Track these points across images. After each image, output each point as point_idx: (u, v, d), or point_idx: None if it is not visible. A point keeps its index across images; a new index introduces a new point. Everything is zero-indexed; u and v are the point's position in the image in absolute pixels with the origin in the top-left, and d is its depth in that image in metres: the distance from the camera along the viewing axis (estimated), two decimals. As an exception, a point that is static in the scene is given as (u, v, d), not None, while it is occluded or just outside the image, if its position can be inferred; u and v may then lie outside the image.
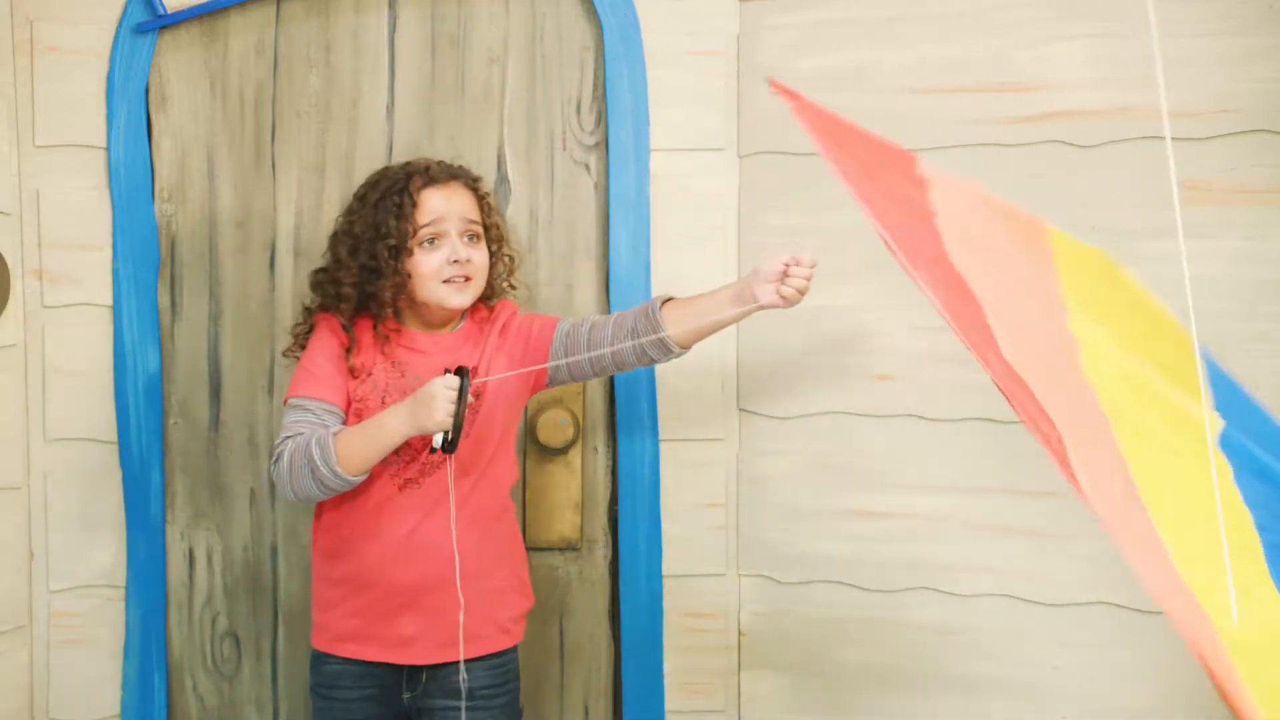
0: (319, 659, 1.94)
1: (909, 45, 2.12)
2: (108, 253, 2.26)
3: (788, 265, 1.74)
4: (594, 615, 2.34)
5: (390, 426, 1.76)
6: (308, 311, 1.97)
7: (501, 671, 1.92)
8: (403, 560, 1.84)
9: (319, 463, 1.76)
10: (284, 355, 2.04)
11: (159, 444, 2.29)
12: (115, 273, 2.26)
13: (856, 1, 2.15)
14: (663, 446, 2.26)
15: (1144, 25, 1.98)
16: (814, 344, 2.20)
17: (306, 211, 2.31)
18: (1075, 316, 1.13)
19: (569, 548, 2.32)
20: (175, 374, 2.33)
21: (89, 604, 2.31)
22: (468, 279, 1.86)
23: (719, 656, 2.29)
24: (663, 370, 2.24)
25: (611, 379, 2.27)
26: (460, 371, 1.73)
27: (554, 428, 2.27)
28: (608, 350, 1.85)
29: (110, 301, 2.27)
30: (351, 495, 1.85)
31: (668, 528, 2.27)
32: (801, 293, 1.76)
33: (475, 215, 1.89)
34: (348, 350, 1.88)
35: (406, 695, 1.91)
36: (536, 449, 2.29)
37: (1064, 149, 2.03)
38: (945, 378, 2.11)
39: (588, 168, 2.30)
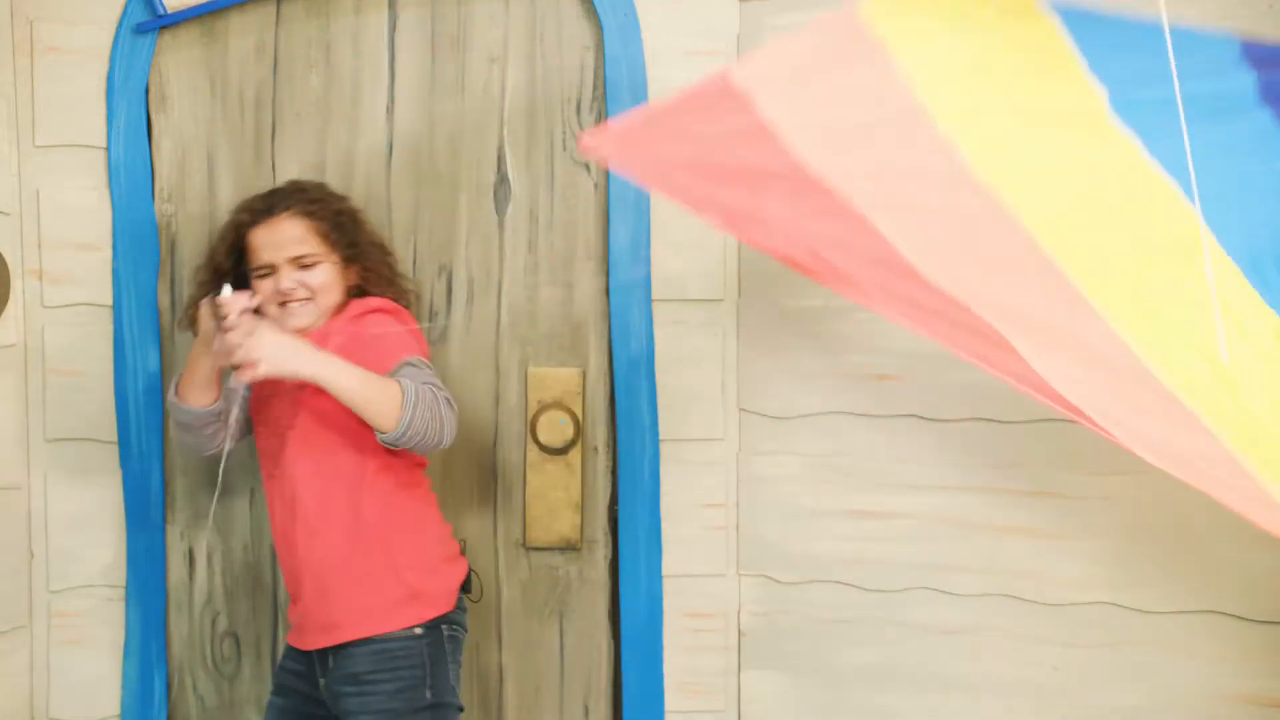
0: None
1: (909, 45, 2.11)
2: (108, 253, 2.27)
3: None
4: (594, 615, 2.34)
5: (199, 373, 1.98)
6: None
7: (386, 657, 1.87)
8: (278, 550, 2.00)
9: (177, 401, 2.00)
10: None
11: (159, 444, 2.29)
12: (115, 272, 2.27)
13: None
14: (663, 446, 2.26)
15: (1144, 25, 1.99)
16: (814, 344, 2.20)
17: (306, 211, 2.31)
18: (941, 116, 1.09)
19: (569, 548, 2.32)
20: (175, 374, 2.32)
21: (89, 604, 2.31)
22: (307, 299, 1.92)
23: (719, 656, 2.28)
24: (663, 370, 2.24)
25: (612, 380, 2.27)
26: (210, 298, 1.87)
27: (554, 428, 2.27)
28: None
29: (110, 301, 2.27)
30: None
31: (668, 528, 2.27)
32: (228, 356, 1.77)
33: (307, 243, 1.93)
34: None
35: (321, 680, 1.93)
36: (536, 449, 2.29)
37: (1064, 149, 2.03)
38: (945, 378, 2.11)
39: (588, 168, 2.30)
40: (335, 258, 1.96)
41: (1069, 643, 2.07)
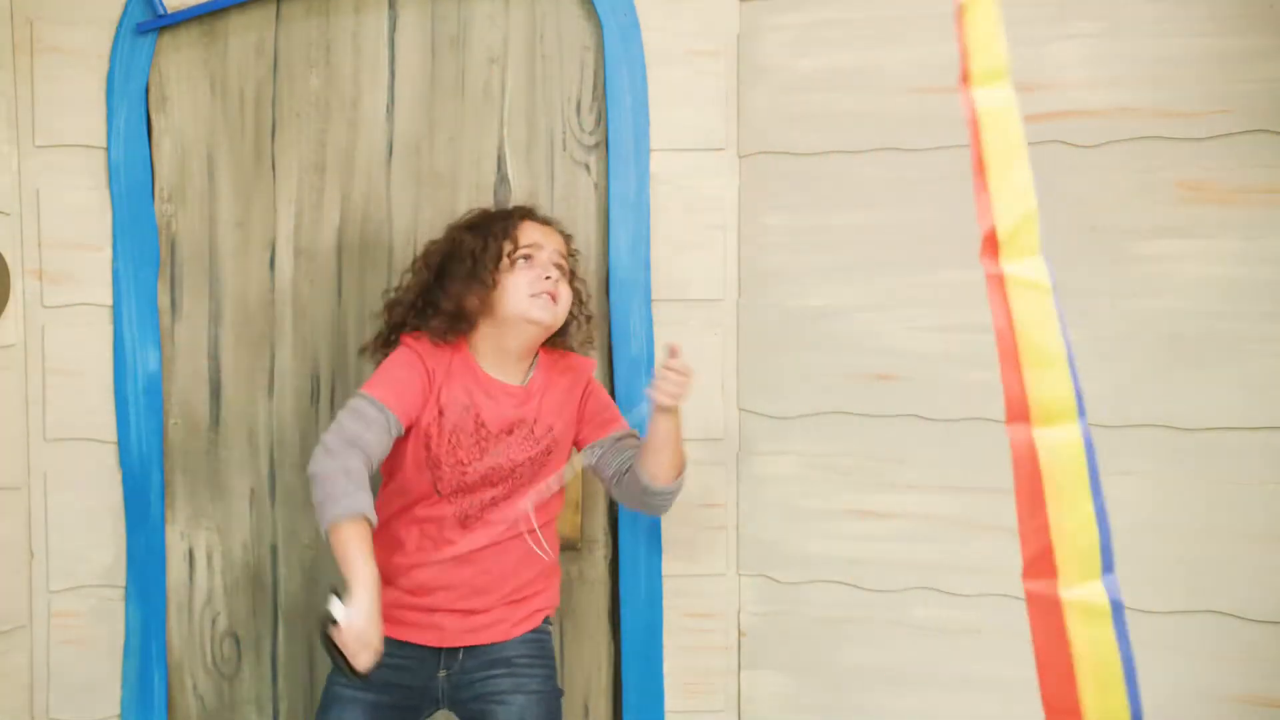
0: None
1: (909, 45, 2.12)
2: (108, 253, 2.27)
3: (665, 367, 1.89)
4: (594, 615, 2.34)
5: (345, 572, 1.75)
6: (388, 332, 2.03)
7: (538, 645, 2.01)
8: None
9: (330, 504, 1.77)
10: (360, 353, 2.15)
11: (159, 444, 2.29)
12: (115, 273, 2.27)
13: (856, 1, 2.15)
14: (663, 446, 2.26)
15: (1143, 25, 1.99)
16: (814, 344, 2.20)
17: (306, 211, 2.31)
18: None
19: (569, 548, 2.31)
20: (175, 374, 2.33)
21: (89, 604, 2.31)
22: (554, 299, 1.94)
23: (719, 656, 2.29)
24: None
25: (612, 380, 2.27)
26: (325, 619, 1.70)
27: (554, 428, 2.27)
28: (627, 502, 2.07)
29: (110, 301, 2.27)
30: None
31: (668, 528, 2.27)
32: (674, 396, 1.88)
33: (566, 255, 2.02)
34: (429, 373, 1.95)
35: (443, 672, 1.97)
36: (536, 449, 2.29)
37: (1064, 149, 2.03)
38: (945, 378, 2.11)
39: (588, 168, 2.30)
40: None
41: (1069, 643, 2.07)
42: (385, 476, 2.01)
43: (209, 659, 2.37)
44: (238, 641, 2.37)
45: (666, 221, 2.25)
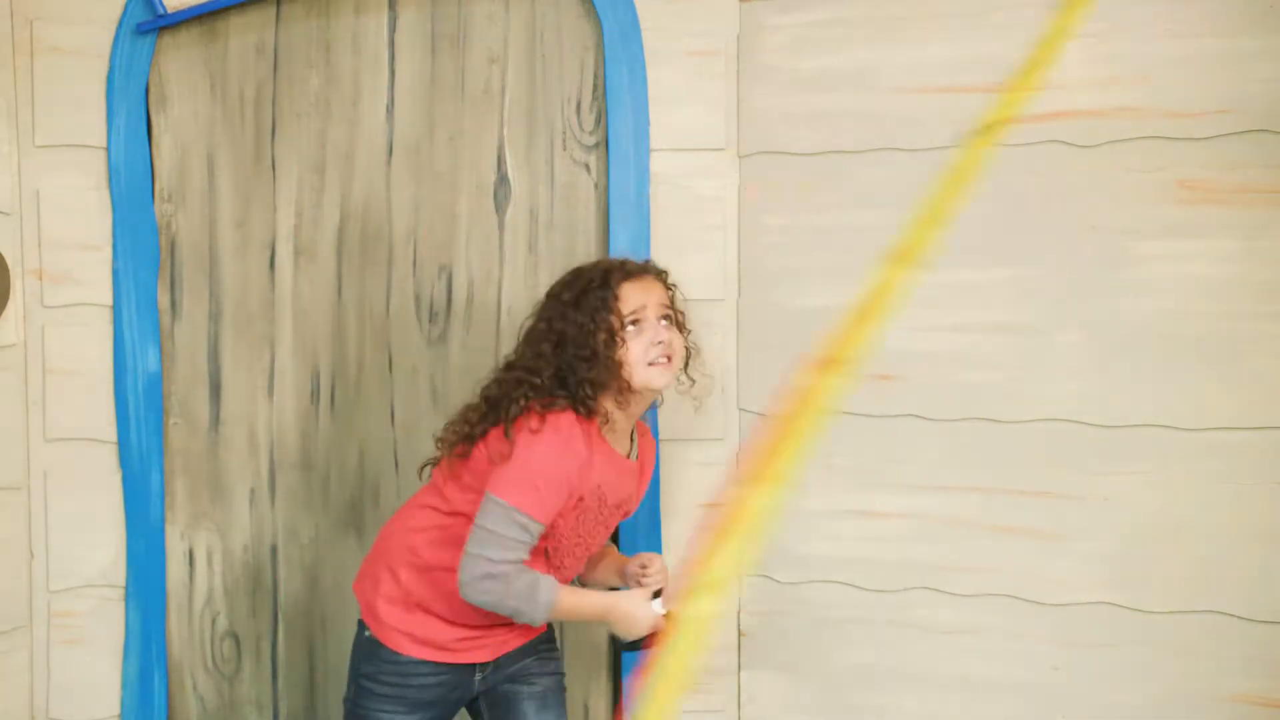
0: None
1: (909, 45, 2.12)
2: (108, 253, 2.27)
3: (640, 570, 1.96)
4: (594, 615, 2.34)
5: (590, 616, 1.92)
6: (489, 403, 1.88)
7: (549, 634, 2.05)
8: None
9: (535, 606, 1.78)
10: (436, 443, 1.94)
11: (159, 444, 2.29)
12: (115, 273, 2.27)
13: (856, 1, 2.15)
14: (663, 446, 2.26)
15: (1143, 25, 1.99)
16: (814, 344, 2.19)
17: (306, 211, 2.31)
18: None
19: (569, 548, 2.32)
20: (175, 374, 2.33)
21: (89, 604, 2.31)
22: (669, 359, 1.87)
23: (719, 656, 2.28)
24: (663, 370, 2.25)
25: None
26: (657, 593, 1.89)
27: (554, 428, 2.27)
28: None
29: (110, 301, 2.27)
30: None
31: (668, 528, 2.27)
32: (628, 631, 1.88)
33: (668, 302, 1.92)
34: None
35: (479, 676, 1.96)
36: (536, 449, 2.29)
37: (1064, 149, 2.03)
38: (945, 378, 2.11)
39: (588, 168, 2.30)
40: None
41: (1069, 643, 2.07)
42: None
43: (209, 659, 2.37)
44: (238, 641, 2.37)
45: (666, 221, 2.25)
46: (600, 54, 2.27)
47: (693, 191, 2.25)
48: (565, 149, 2.30)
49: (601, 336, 1.84)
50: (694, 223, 2.25)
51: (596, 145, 2.29)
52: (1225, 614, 1.98)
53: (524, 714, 1.98)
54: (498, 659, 1.95)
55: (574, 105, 2.29)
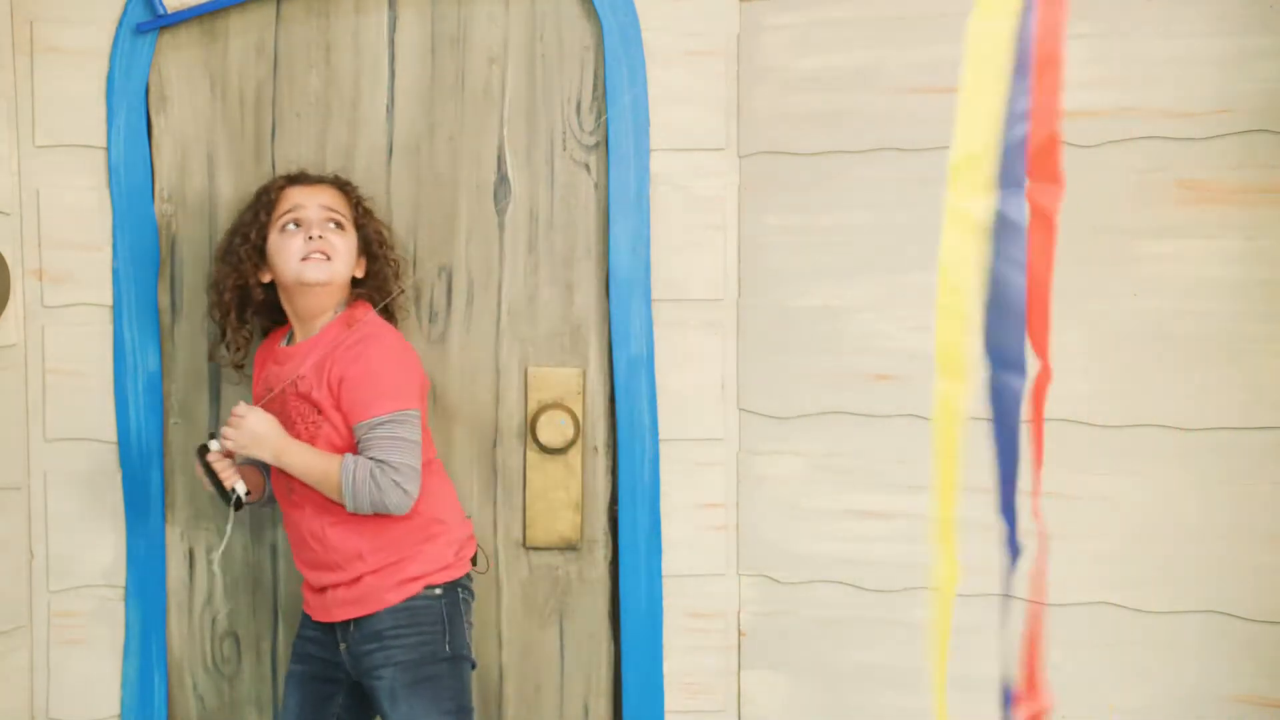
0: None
1: (909, 45, 2.12)
2: (108, 252, 2.27)
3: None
4: (594, 615, 2.34)
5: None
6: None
7: (408, 614, 2.00)
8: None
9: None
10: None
11: (159, 444, 2.29)
12: (115, 272, 2.27)
13: (856, 1, 2.15)
14: (663, 446, 2.26)
15: (1143, 25, 1.99)
16: (814, 344, 2.20)
17: (306, 211, 2.31)
18: None
19: (569, 548, 2.32)
20: (175, 374, 2.33)
21: (89, 604, 2.31)
22: (327, 257, 2.01)
23: (719, 656, 2.29)
24: (663, 370, 2.25)
25: (612, 380, 2.28)
26: (201, 449, 2.01)
27: (554, 428, 2.27)
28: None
29: (110, 301, 2.27)
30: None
31: (668, 528, 2.27)
32: (235, 444, 1.96)
33: (340, 207, 2.08)
34: (239, 368, 2.17)
35: (343, 645, 2.03)
36: (536, 449, 2.29)
37: (1064, 149, 2.02)
38: (945, 378, 2.11)
39: (588, 168, 2.30)
40: (355, 238, 2.09)
41: (1069, 643, 2.07)
42: None
43: (209, 659, 2.37)
44: (238, 641, 2.37)
45: (666, 221, 2.25)
46: (600, 54, 2.27)
47: (693, 191, 2.25)
48: (565, 149, 2.30)
49: (250, 236, 2.05)
50: (694, 222, 2.25)
51: (596, 145, 2.29)
52: (1225, 614, 1.98)
53: (382, 709, 2.00)
54: (350, 631, 2.00)
55: (574, 105, 2.29)
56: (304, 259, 2.00)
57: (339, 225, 2.05)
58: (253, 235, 2.04)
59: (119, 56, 2.24)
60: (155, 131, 2.29)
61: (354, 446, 1.97)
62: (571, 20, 2.28)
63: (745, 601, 2.28)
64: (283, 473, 2.00)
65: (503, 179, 2.30)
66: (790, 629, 2.25)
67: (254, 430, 1.95)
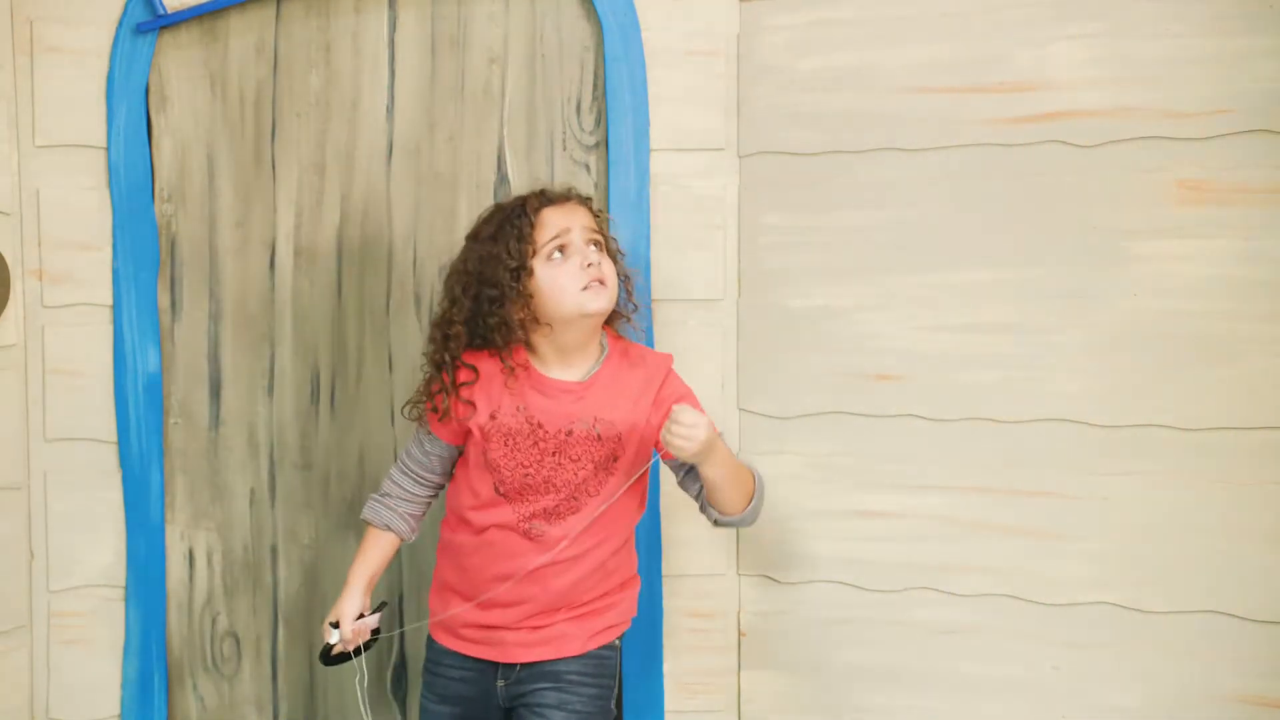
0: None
1: (909, 45, 2.12)
2: (108, 252, 2.27)
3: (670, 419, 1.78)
4: (594, 615, 2.34)
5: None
6: (435, 365, 1.92)
7: (595, 663, 1.92)
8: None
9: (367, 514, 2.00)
10: (402, 413, 2.07)
11: (159, 444, 2.29)
12: (115, 273, 2.27)
13: (856, 1, 2.15)
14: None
15: (1143, 25, 1.99)
16: (814, 344, 2.20)
17: (306, 211, 2.31)
18: None
19: (569, 548, 2.31)
20: (175, 374, 2.33)
21: (89, 604, 2.31)
22: (602, 283, 1.85)
23: (719, 656, 2.29)
24: (663, 370, 2.24)
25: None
26: (326, 650, 1.92)
27: (554, 428, 2.27)
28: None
29: (110, 301, 2.27)
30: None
31: (668, 528, 2.27)
32: (682, 447, 1.75)
33: (594, 226, 1.90)
34: (461, 384, 1.88)
35: (501, 682, 1.92)
36: (536, 449, 2.29)
37: (1064, 149, 2.03)
38: (945, 378, 2.11)
39: (588, 168, 2.30)
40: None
41: (1069, 643, 2.07)
42: (451, 483, 1.98)
43: (209, 659, 2.37)
44: (238, 641, 2.37)
45: (666, 221, 2.25)
46: (600, 54, 2.27)
47: (693, 191, 2.25)
48: (565, 149, 2.30)
49: (511, 267, 1.83)
50: (694, 222, 2.25)
51: (596, 145, 2.29)
52: (1225, 614, 1.98)
53: None
54: (516, 669, 1.91)
55: (574, 105, 2.29)
56: (584, 288, 1.83)
57: (599, 246, 1.89)
58: (514, 265, 1.83)
59: (119, 56, 2.24)
60: (155, 131, 2.29)
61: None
62: (571, 20, 2.29)
63: (745, 601, 2.28)
64: (534, 493, 1.86)
65: (503, 179, 2.31)
66: (790, 629, 2.25)
67: (708, 439, 1.76)
